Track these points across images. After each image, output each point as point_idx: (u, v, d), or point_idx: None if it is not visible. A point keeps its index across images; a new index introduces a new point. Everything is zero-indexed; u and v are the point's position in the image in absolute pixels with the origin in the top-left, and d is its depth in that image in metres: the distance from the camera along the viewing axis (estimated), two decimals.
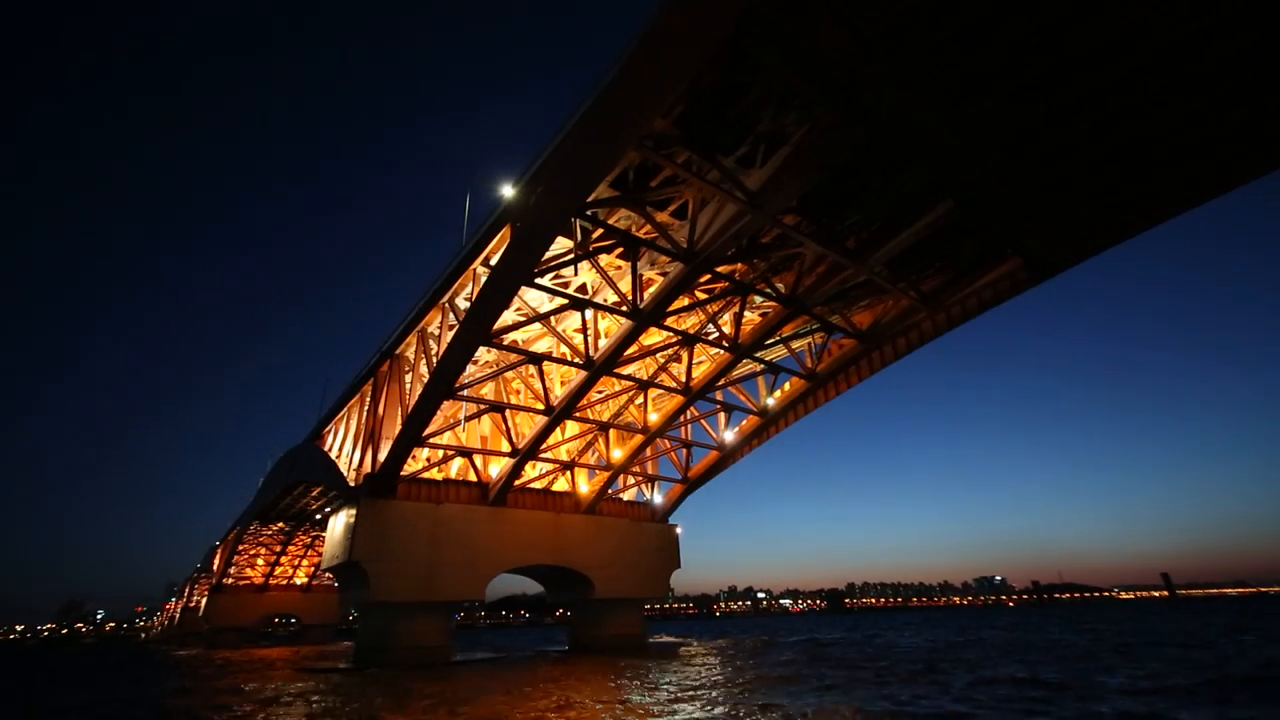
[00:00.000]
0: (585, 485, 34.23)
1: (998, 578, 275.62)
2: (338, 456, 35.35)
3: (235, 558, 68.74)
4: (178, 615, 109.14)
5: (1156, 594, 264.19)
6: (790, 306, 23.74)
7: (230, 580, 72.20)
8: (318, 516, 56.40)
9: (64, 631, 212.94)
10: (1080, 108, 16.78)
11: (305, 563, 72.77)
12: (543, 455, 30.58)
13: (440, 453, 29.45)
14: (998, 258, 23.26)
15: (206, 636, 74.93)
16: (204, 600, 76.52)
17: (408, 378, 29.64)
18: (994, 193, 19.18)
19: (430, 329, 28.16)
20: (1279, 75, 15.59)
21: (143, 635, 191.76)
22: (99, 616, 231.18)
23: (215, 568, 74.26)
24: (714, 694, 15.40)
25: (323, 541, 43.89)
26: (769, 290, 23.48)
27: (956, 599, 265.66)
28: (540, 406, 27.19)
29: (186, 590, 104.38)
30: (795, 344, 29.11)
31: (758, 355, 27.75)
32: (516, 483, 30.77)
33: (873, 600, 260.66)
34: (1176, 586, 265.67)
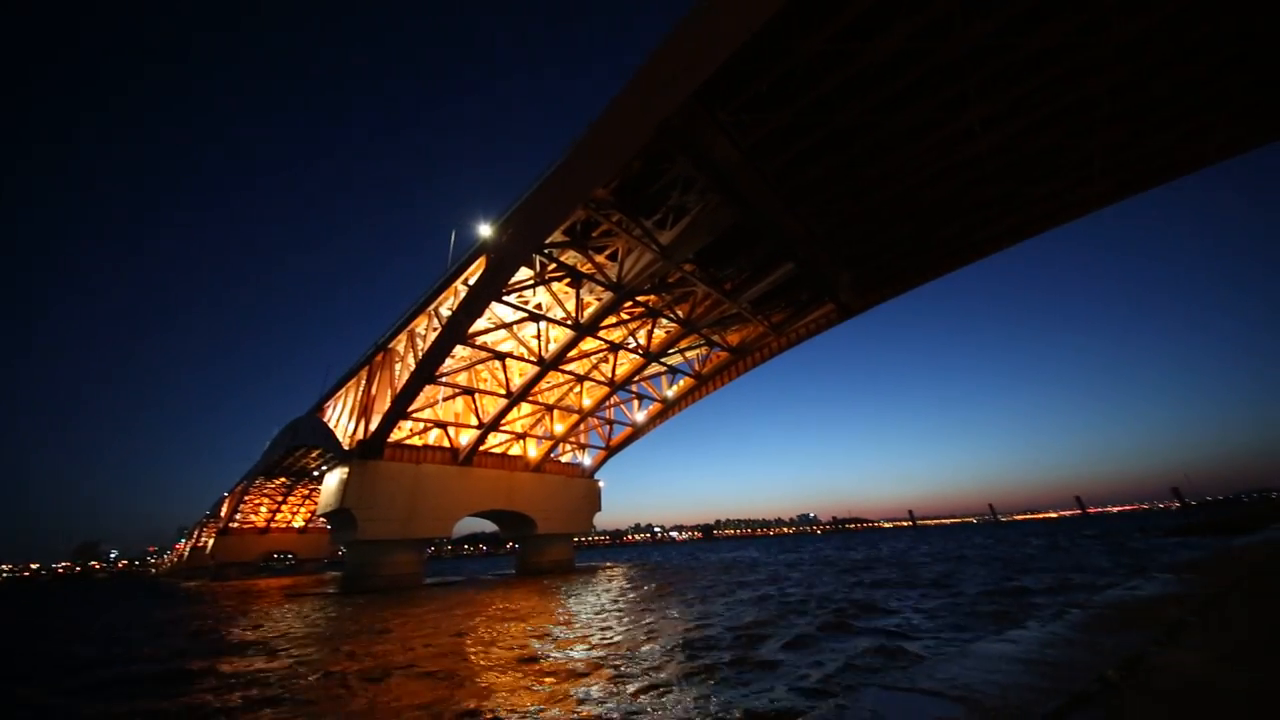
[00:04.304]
0: (534, 451, 33.22)
1: (811, 514, 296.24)
2: (335, 426, 32.07)
3: (241, 506, 60.49)
4: (186, 553, 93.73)
5: (905, 524, 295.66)
6: (686, 328, 24.34)
7: (236, 524, 63.47)
8: (315, 473, 50.85)
9: (77, 569, 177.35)
10: (862, 218, 18.57)
11: (303, 510, 65.19)
12: (502, 428, 29.36)
13: (421, 425, 27.48)
14: (820, 303, 25.09)
15: (212, 570, 65.09)
16: (211, 541, 66.70)
17: (397, 366, 27.43)
18: (819, 262, 20.70)
19: (418, 329, 26.25)
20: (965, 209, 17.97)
21: (153, 570, 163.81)
22: (112, 555, 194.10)
23: (223, 514, 64.95)
24: (605, 588, 15.65)
25: (319, 493, 39.68)
26: (672, 316, 23.94)
27: (785, 529, 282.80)
28: (502, 392, 26.09)
29: (195, 533, 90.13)
30: (688, 354, 29.86)
31: (663, 360, 28.18)
32: (481, 448, 29.33)
33: (732, 531, 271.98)
34: (918, 518, 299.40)
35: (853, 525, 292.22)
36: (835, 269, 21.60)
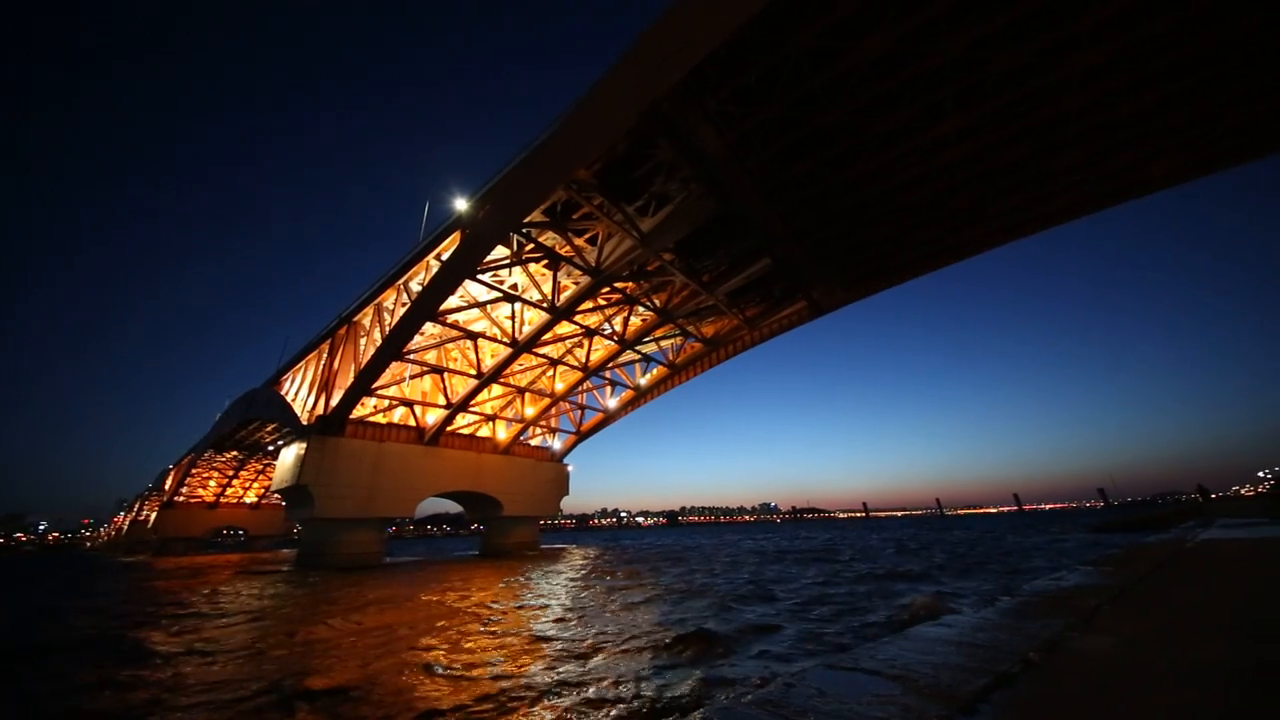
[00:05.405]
0: (503, 433, 32.83)
1: (772, 503, 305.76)
2: (293, 400, 30.72)
3: (188, 479, 57.20)
4: (126, 526, 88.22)
5: (859, 515, 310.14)
6: (662, 317, 24.36)
7: (181, 498, 60.02)
8: (270, 448, 48.67)
9: (0, 541, 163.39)
10: (839, 218, 18.94)
11: (256, 485, 62.38)
12: (472, 409, 28.84)
13: (386, 402, 26.64)
14: (793, 299, 25.57)
15: (154, 545, 61.46)
16: (154, 514, 63.03)
17: (362, 341, 26.40)
18: (795, 259, 21.03)
19: (385, 304, 25.26)
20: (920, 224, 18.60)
21: (87, 545, 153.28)
22: (41, 528, 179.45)
23: (167, 487, 61.42)
24: (563, 570, 15.90)
25: (273, 468, 38.00)
26: (649, 304, 23.90)
27: (747, 517, 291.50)
28: (473, 372, 25.55)
29: (137, 505, 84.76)
30: (663, 343, 29.95)
31: (637, 348, 28.20)
32: (449, 429, 28.77)
33: (696, 518, 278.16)
34: (870, 510, 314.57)
35: (810, 515, 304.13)
36: (810, 267, 21.99)
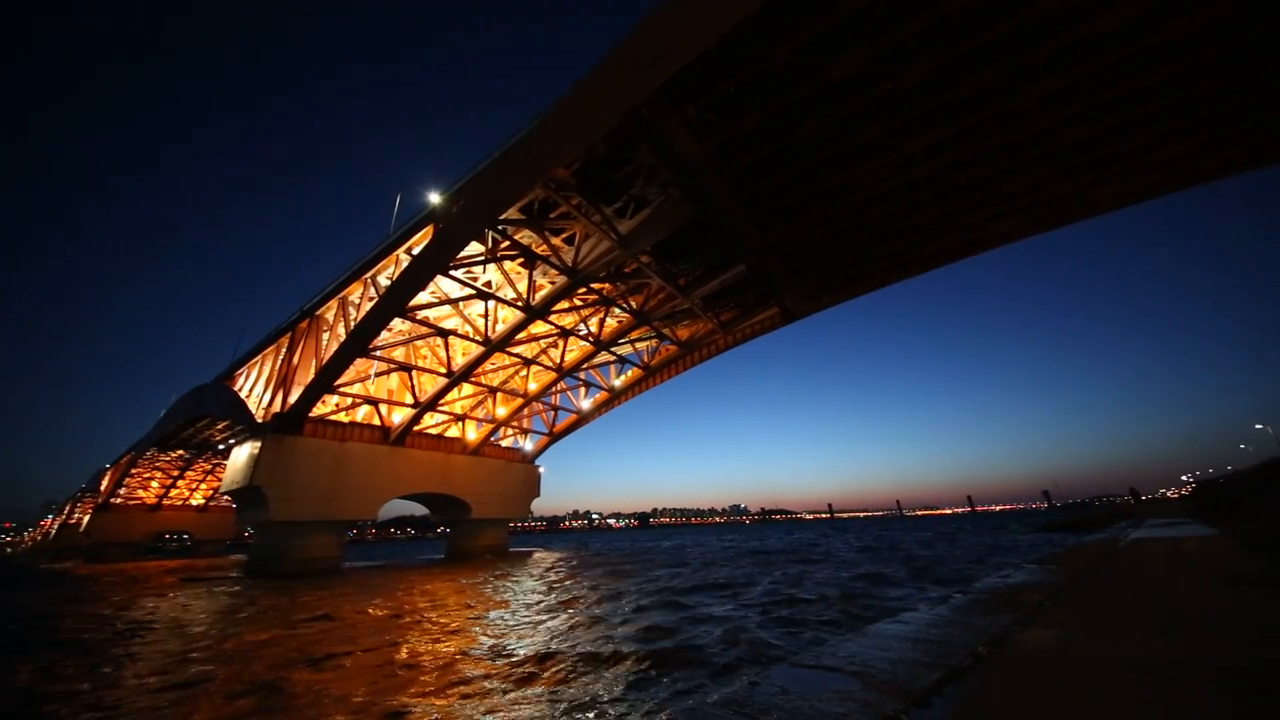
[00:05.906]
0: (473, 433, 32.09)
1: (741, 505, 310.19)
2: (247, 396, 29.11)
3: (127, 480, 52.99)
4: (54, 530, 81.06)
5: (824, 515, 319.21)
6: (638, 319, 24.41)
7: (119, 500, 55.51)
8: (220, 447, 45.84)
9: None
10: (812, 229, 19.51)
11: (204, 486, 58.34)
12: (440, 408, 28.06)
13: (349, 400, 25.59)
14: (766, 306, 26.13)
15: (86, 550, 56.54)
16: (87, 518, 58.19)
17: (325, 336, 25.28)
18: (768, 266, 21.49)
19: (351, 297, 24.32)
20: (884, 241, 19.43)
21: (8, 550, 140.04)
22: None
23: (103, 488, 56.81)
24: (529, 573, 15.75)
25: (223, 468, 35.84)
26: (625, 306, 23.92)
27: (717, 518, 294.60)
28: (443, 370, 24.88)
29: (67, 508, 78.06)
30: (639, 345, 30.03)
31: (613, 350, 28.15)
32: (415, 429, 27.88)
33: (668, 519, 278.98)
34: (835, 511, 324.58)
35: (778, 516, 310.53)
36: (783, 274, 22.53)
